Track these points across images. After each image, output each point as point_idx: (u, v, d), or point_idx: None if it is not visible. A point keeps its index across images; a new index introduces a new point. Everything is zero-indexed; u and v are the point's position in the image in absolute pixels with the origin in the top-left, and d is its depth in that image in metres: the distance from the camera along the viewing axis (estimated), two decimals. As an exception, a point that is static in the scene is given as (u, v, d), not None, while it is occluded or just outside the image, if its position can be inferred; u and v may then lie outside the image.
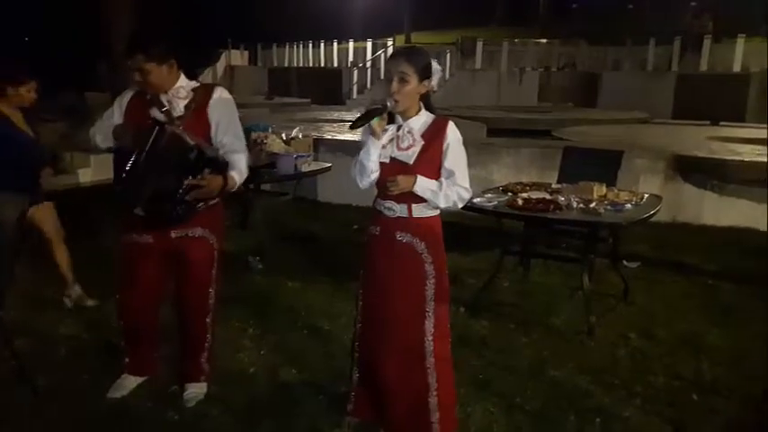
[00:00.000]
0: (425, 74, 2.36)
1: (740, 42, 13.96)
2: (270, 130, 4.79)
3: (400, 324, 2.41)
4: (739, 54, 13.83)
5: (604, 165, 4.76)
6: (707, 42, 14.31)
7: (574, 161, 4.97)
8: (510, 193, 4.12)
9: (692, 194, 6.33)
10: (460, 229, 5.07)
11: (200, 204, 2.62)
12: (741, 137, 8.40)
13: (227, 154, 2.64)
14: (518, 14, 23.32)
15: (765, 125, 10.52)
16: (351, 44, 18.17)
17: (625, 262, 4.73)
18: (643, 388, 3.02)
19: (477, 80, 14.57)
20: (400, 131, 2.41)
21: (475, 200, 3.96)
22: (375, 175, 2.40)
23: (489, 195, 4.07)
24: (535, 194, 4.05)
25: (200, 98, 2.65)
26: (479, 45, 15.31)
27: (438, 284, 2.41)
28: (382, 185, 2.40)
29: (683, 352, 3.44)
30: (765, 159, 6.16)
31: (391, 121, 2.42)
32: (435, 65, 2.43)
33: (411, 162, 2.36)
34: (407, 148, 2.38)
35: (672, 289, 4.43)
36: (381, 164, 2.40)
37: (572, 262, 4.13)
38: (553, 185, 4.39)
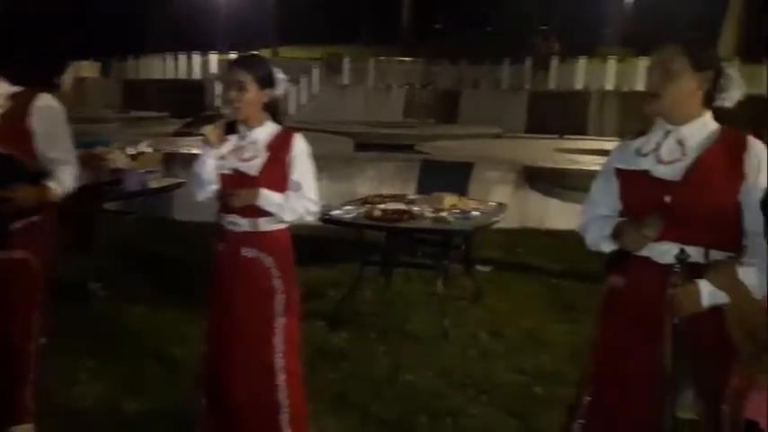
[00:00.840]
0: (266, 82, 2.34)
1: (582, 63, 15.40)
2: (113, 145, 4.52)
3: (248, 342, 2.36)
4: (581, 73, 15.25)
5: (457, 176, 5.04)
6: (554, 62, 15.63)
7: (430, 173, 5.22)
8: (368, 205, 4.21)
9: (538, 201, 6.85)
10: (322, 241, 5.09)
11: (18, 223, 2.41)
12: (581, 148, 9.24)
13: (50, 165, 2.46)
14: (383, 33, 24.05)
15: (603, 137, 11.71)
16: (214, 56, 17.69)
17: (478, 266, 4.99)
18: (491, 385, 3.20)
19: (344, 96, 14.80)
20: (243, 142, 2.38)
21: (334, 212, 4.01)
22: (213, 187, 2.34)
23: (348, 207, 4.13)
24: (392, 205, 4.18)
25: (20, 106, 2.43)
26: (346, 61, 15.61)
27: (287, 299, 2.39)
28: (224, 199, 2.35)
29: (528, 348, 3.69)
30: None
31: (234, 131, 2.39)
32: (279, 74, 2.43)
33: (255, 174, 2.34)
34: (251, 159, 2.35)
35: (520, 289, 4.75)
36: (223, 176, 2.35)
37: (429, 269, 4.30)
38: (410, 196, 4.55)
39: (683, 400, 1.63)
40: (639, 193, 1.84)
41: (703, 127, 1.80)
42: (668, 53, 1.78)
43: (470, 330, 3.89)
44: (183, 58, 17.98)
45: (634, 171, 1.85)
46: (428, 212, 4.00)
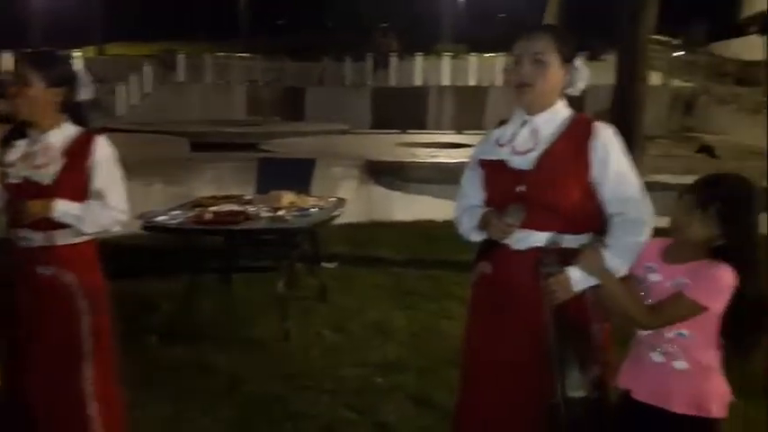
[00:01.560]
0: (57, 81, 2.11)
1: (419, 60, 16.02)
2: None
3: (52, 371, 2.11)
4: (419, 70, 15.86)
5: (298, 173, 4.97)
6: (393, 59, 16.10)
7: (269, 172, 5.10)
8: (199, 208, 3.99)
9: (383, 195, 6.99)
10: (154, 250, 4.76)
11: None
12: (421, 142, 9.60)
13: None
14: (221, 29, 23.23)
15: (441, 131, 12.29)
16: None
17: (324, 264, 4.95)
18: (333, 382, 3.17)
19: (181, 94, 14.06)
20: (35, 147, 2.12)
21: (159, 218, 3.75)
22: None
23: (175, 212, 3.88)
24: (225, 207, 4.00)
25: None
26: (181, 58, 14.81)
27: (96, 319, 2.16)
28: (13, 211, 2.07)
29: (372, 340, 3.72)
30: (440, 160, 7.14)
31: (24, 135, 2.13)
32: (83, 74, 2.20)
33: (48, 182, 2.09)
34: (43, 166, 2.10)
35: (366, 282, 4.78)
36: (11, 185, 2.09)
37: (269, 271, 4.17)
38: (246, 197, 4.40)
39: (571, 380, 1.70)
40: (497, 183, 1.87)
41: (556, 115, 1.86)
42: (540, 45, 1.80)
43: (315, 329, 3.84)
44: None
45: (493, 161, 1.89)
46: (265, 212, 3.88)
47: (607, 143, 1.81)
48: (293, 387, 3.10)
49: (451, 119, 14.12)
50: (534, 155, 1.82)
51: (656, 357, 1.69)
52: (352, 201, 6.63)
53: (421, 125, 13.33)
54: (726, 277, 1.60)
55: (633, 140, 5.14)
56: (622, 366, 1.77)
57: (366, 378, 3.22)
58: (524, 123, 1.87)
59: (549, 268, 1.73)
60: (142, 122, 10.66)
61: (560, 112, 1.87)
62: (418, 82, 15.57)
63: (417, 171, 7.01)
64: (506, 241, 1.81)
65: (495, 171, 1.88)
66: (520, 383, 1.82)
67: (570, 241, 1.77)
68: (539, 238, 1.78)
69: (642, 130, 5.09)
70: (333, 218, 4.09)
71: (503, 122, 1.95)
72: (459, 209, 1.98)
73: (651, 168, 6.92)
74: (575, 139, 1.82)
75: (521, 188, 1.80)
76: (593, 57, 15.48)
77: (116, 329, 2.28)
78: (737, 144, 10.95)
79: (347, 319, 4.01)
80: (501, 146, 1.89)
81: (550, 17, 20.75)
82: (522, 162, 1.83)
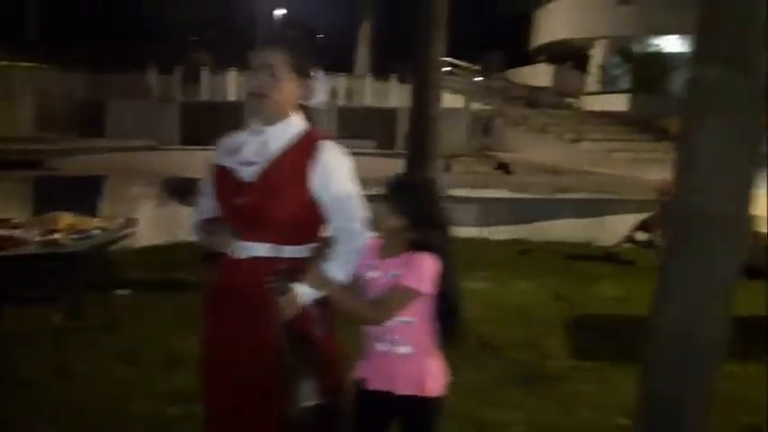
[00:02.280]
0: None
1: (232, 75, 15.68)
2: None
3: None
4: (233, 85, 15.51)
5: (83, 193, 4.59)
6: (205, 73, 15.57)
7: (48, 192, 4.65)
8: (-47, 235, 3.45)
9: (188, 215, 6.65)
10: None
11: None
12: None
13: None
14: (3, 34, 20.63)
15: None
16: None
17: (118, 291, 4.56)
18: (121, 416, 2.92)
19: (-51, 106, 12.23)
20: None
21: None
22: None
23: None
24: (-12, 232, 3.51)
25: None
26: (-51, 65, 12.89)
27: None
28: None
29: (166, 368, 3.47)
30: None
31: None
32: None
33: None
34: None
35: (164, 308, 4.46)
36: None
37: (44, 301, 3.73)
38: (15, 220, 3.91)
39: (303, 390, 1.72)
40: (223, 191, 1.87)
41: (288, 129, 1.86)
42: (274, 58, 1.82)
43: (102, 362, 3.50)
44: None
45: (223, 168, 1.87)
46: (37, 236, 3.47)
47: (330, 160, 1.86)
48: (72, 426, 2.78)
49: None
50: (258, 168, 1.84)
51: (381, 346, 1.83)
52: (154, 221, 6.26)
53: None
54: (428, 263, 1.79)
55: (428, 157, 5.46)
56: (358, 361, 1.91)
57: (157, 409, 3.00)
58: (256, 133, 1.89)
59: (279, 287, 1.78)
60: None
61: (294, 125, 1.89)
62: (232, 97, 15.22)
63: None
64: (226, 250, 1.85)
65: (222, 179, 1.88)
66: (250, 393, 1.84)
67: (290, 252, 1.83)
68: (257, 249, 1.82)
69: (436, 147, 5.43)
70: (119, 240, 3.79)
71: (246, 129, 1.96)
72: (197, 211, 1.99)
73: (455, 184, 7.48)
74: (299, 155, 1.85)
75: (242, 199, 1.82)
76: (402, 79, 16.44)
77: None
78: (528, 161, 12.29)
79: (139, 349, 3.71)
80: (231, 154, 1.89)
81: (363, 40, 21.74)
82: (247, 174, 1.85)
